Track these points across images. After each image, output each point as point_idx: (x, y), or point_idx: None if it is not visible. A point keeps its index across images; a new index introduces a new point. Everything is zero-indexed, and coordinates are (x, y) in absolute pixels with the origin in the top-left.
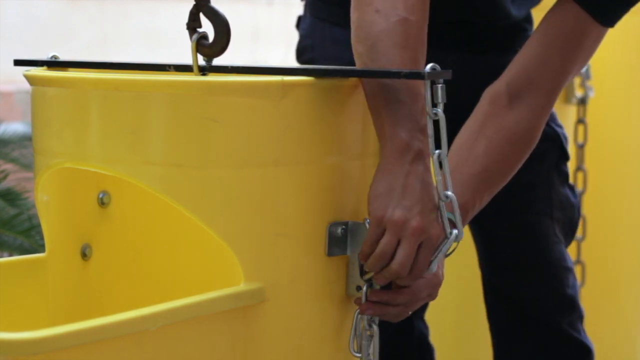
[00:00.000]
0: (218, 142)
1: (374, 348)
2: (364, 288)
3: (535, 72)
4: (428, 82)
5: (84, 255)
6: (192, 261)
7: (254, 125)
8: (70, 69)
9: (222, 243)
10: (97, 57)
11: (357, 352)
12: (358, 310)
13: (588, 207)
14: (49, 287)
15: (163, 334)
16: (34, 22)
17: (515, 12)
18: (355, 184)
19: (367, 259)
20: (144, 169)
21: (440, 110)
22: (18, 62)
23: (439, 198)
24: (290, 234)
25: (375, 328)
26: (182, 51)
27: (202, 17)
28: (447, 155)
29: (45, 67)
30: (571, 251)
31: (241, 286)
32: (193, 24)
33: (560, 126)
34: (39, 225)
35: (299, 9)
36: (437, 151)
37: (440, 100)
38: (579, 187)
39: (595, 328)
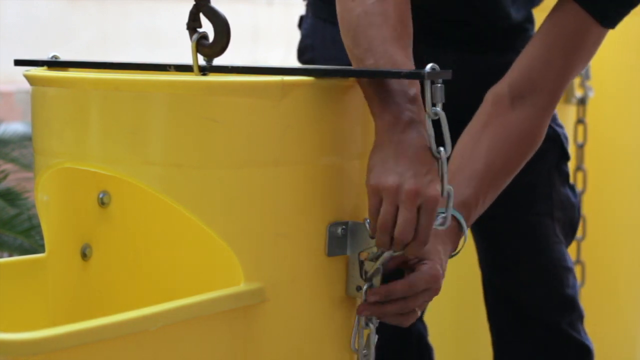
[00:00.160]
0: (218, 142)
1: (370, 346)
2: (364, 288)
3: (537, 73)
4: (428, 82)
5: (84, 255)
6: (192, 261)
7: (254, 125)
8: (71, 69)
9: (222, 243)
10: (97, 57)
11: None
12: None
13: (588, 207)
14: (49, 287)
15: (163, 334)
16: (34, 22)
17: (515, 12)
18: (356, 184)
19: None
20: (144, 169)
21: (439, 109)
22: (18, 62)
23: (438, 160)
24: (290, 234)
25: (372, 326)
26: (182, 51)
27: (202, 17)
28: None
29: (45, 67)
30: (571, 251)
31: (241, 286)
32: (193, 24)
33: (561, 126)
34: (39, 225)
35: (299, 9)
36: (441, 148)
37: (439, 100)
38: (578, 187)
39: (595, 328)
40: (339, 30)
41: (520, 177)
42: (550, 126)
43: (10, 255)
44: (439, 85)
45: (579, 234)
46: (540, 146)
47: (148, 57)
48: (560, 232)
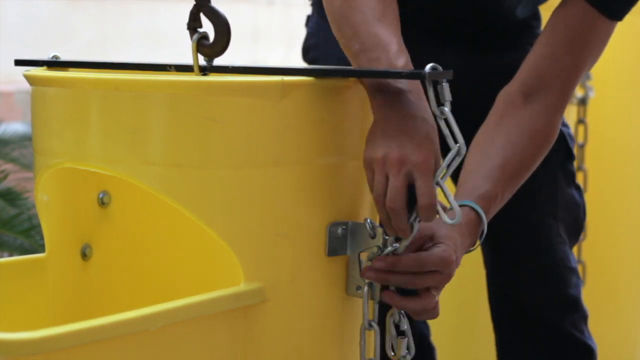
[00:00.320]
0: (218, 142)
1: (370, 346)
2: (364, 288)
3: (546, 71)
4: (430, 82)
5: (84, 255)
6: (192, 261)
7: (254, 125)
8: (71, 69)
9: (222, 243)
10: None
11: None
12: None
13: (588, 207)
14: (49, 287)
15: (163, 334)
16: (34, 22)
17: (519, 10)
18: (356, 184)
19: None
20: (144, 169)
21: (447, 109)
22: (18, 62)
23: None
24: (290, 234)
25: (376, 327)
26: (182, 51)
27: (202, 17)
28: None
29: (45, 67)
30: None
31: (241, 286)
32: (193, 24)
33: (566, 126)
34: (39, 225)
35: (299, 9)
36: (456, 145)
37: (447, 99)
38: None
39: (595, 328)
40: None
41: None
42: None
43: (10, 255)
44: (445, 84)
45: None
46: None
47: (148, 57)
48: (564, 233)
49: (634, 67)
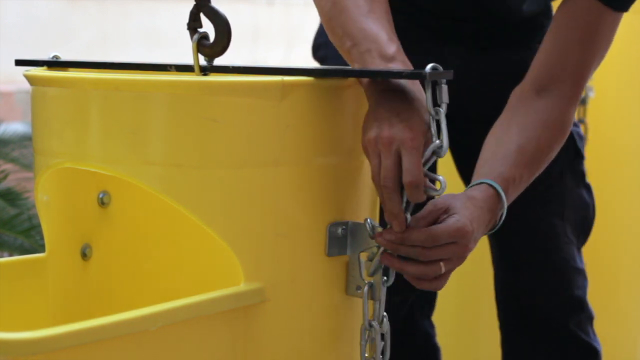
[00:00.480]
0: (218, 142)
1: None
2: (364, 288)
3: (555, 66)
4: (429, 82)
5: (84, 255)
6: (192, 261)
7: (254, 125)
8: (71, 69)
9: (222, 243)
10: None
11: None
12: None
13: None
14: (49, 287)
15: (163, 334)
16: (34, 22)
17: (526, 7)
18: (356, 184)
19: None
20: (144, 169)
21: (442, 110)
22: (19, 62)
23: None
24: (290, 234)
25: (376, 326)
26: (182, 51)
27: (202, 17)
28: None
29: (45, 67)
30: None
31: (241, 286)
32: (194, 24)
33: (576, 125)
34: (39, 225)
35: (299, 9)
36: (436, 142)
37: (444, 100)
38: None
39: (595, 328)
40: None
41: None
42: None
43: (10, 255)
44: (444, 86)
45: None
46: None
47: (148, 57)
48: (571, 233)
49: (634, 67)
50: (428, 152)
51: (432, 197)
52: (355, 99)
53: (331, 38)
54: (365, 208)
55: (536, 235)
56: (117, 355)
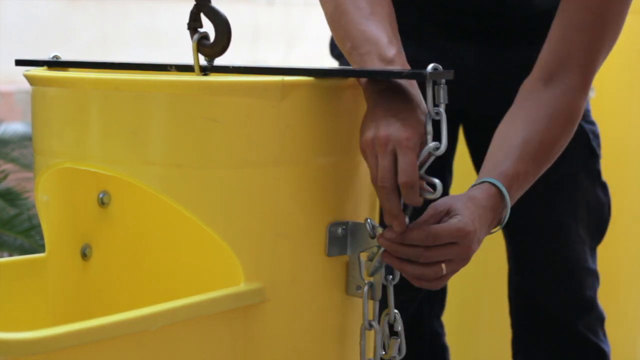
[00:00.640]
0: (218, 142)
1: (370, 346)
2: (364, 288)
3: (562, 54)
4: (430, 82)
5: (84, 255)
6: (192, 261)
7: (254, 125)
8: (71, 69)
9: (222, 243)
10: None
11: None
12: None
13: None
14: (49, 287)
15: (163, 334)
16: (34, 22)
17: (540, 0)
18: (356, 184)
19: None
20: (144, 169)
21: (442, 109)
22: (19, 62)
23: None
24: (290, 234)
25: (377, 326)
26: (182, 51)
27: (202, 17)
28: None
29: (45, 67)
30: None
31: (241, 286)
32: (194, 24)
33: (590, 123)
34: (39, 225)
35: (299, 9)
36: (433, 143)
37: (442, 101)
38: None
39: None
40: None
41: (544, 175)
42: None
43: (10, 255)
44: (442, 86)
45: None
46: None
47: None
48: (584, 233)
49: (633, 67)
50: (424, 153)
51: (429, 200)
52: (355, 99)
53: (335, 40)
54: (365, 208)
55: (548, 235)
56: (117, 355)
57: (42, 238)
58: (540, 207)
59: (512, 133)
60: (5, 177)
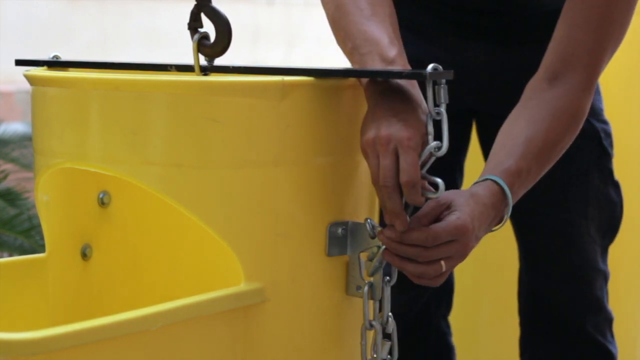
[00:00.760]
0: (218, 142)
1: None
2: (364, 288)
3: (568, 53)
4: (430, 82)
5: (84, 255)
6: (192, 261)
7: (254, 125)
8: (71, 69)
9: (222, 243)
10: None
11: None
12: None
13: None
14: (49, 287)
15: (163, 334)
16: (34, 22)
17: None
18: (356, 184)
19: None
20: (144, 169)
21: (442, 109)
22: (19, 62)
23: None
24: (290, 234)
25: (377, 326)
26: (183, 51)
27: (203, 17)
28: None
29: (45, 67)
30: None
31: (241, 286)
32: (194, 24)
33: (602, 122)
34: (39, 225)
35: (299, 9)
36: (434, 142)
37: (442, 100)
38: None
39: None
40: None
41: (555, 175)
42: (588, 121)
43: (10, 255)
44: (443, 86)
45: None
46: (576, 142)
47: (148, 57)
48: (595, 232)
49: (634, 67)
50: (425, 153)
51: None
52: (355, 99)
53: (336, 40)
54: (365, 208)
55: (558, 235)
56: (117, 356)
57: (42, 238)
58: (551, 206)
59: (516, 131)
60: (5, 177)
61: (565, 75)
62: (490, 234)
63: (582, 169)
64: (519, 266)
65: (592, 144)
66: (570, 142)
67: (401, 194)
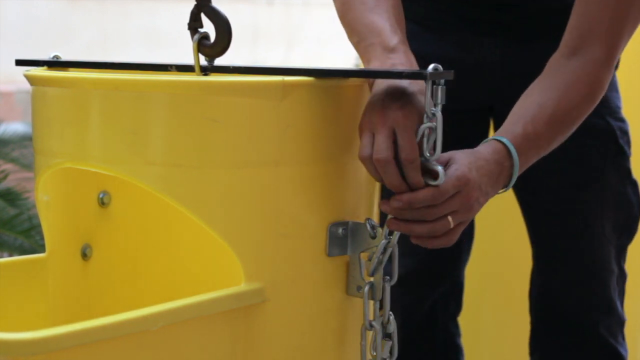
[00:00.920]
0: (218, 142)
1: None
2: (365, 288)
3: (584, 28)
4: (430, 82)
5: (84, 255)
6: (193, 261)
7: (254, 125)
8: (71, 69)
9: (222, 243)
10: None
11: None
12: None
13: None
14: (49, 287)
15: (164, 334)
16: (34, 22)
17: None
18: (356, 184)
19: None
20: (144, 169)
21: (438, 110)
22: (19, 62)
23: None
24: (290, 234)
25: (377, 326)
26: (183, 51)
27: (203, 17)
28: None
29: (45, 67)
30: None
31: (242, 286)
32: (194, 24)
33: (619, 120)
34: (39, 225)
35: (299, 9)
36: (428, 123)
37: (439, 101)
38: None
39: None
40: (410, 26)
41: (570, 174)
42: (604, 119)
43: (10, 255)
44: (441, 86)
45: None
46: (590, 141)
47: (148, 57)
48: (610, 233)
49: (634, 67)
50: (421, 131)
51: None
52: (355, 99)
53: (346, 35)
54: (365, 208)
55: (571, 236)
56: (117, 356)
57: (42, 238)
58: (566, 205)
59: (528, 100)
60: (5, 177)
61: (583, 49)
62: (492, 235)
63: (597, 168)
64: (532, 266)
65: (608, 142)
66: (586, 113)
67: (397, 168)
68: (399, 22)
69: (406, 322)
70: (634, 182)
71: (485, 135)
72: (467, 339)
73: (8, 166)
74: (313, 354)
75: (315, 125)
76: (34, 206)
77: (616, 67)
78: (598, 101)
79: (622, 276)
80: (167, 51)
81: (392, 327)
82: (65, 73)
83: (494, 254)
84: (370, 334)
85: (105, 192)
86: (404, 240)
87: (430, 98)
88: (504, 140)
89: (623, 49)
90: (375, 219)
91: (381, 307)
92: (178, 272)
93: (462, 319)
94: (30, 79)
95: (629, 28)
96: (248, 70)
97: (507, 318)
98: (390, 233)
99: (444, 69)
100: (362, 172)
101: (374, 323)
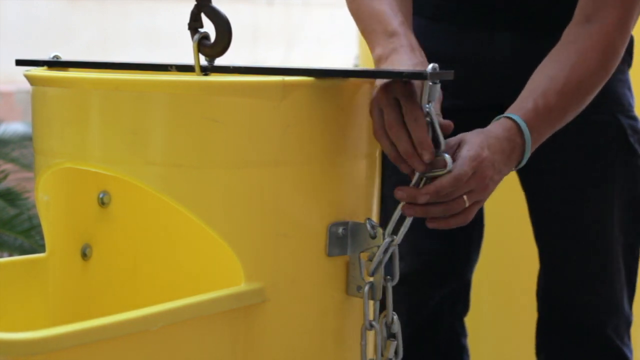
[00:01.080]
0: (218, 142)
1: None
2: (365, 288)
3: None
4: (428, 82)
5: (84, 255)
6: (193, 261)
7: (254, 125)
8: (71, 69)
9: (223, 243)
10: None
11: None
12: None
13: None
14: (49, 287)
15: (164, 334)
16: (34, 22)
17: None
18: (356, 184)
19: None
20: (144, 169)
21: (431, 107)
22: (19, 62)
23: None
24: (290, 234)
25: (377, 326)
26: (183, 51)
27: (203, 17)
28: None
29: (45, 67)
30: None
31: (242, 286)
32: (194, 24)
33: (631, 118)
34: (39, 225)
35: (299, 9)
36: (430, 105)
37: (433, 99)
38: None
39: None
40: (416, 20)
41: (579, 173)
42: (614, 116)
43: (10, 255)
44: (436, 85)
45: None
46: (600, 140)
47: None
48: (618, 232)
49: (634, 67)
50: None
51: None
52: (355, 99)
53: (355, 21)
54: (365, 208)
55: (578, 237)
56: (117, 356)
57: (42, 238)
58: (573, 205)
59: (539, 75)
60: (5, 177)
61: (596, 15)
62: (495, 236)
63: (606, 166)
64: (539, 267)
65: (618, 140)
66: (600, 84)
67: (407, 133)
68: (400, 4)
69: (410, 321)
70: None
71: None
72: (471, 340)
73: (8, 166)
74: (313, 354)
75: (315, 125)
76: (34, 206)
77: (629, 65)
78: (612, 70)
79: (631, 276)
80: (167, 51)
81: (397, 327)
82: (65, 73)
83: (498, 254)
84: (370, 334)
85: (105, 192)
86: (407, 239)
87: (426, 97)
88: (515, 117)
89: (637, 16)
90: (375, 219)
91: (384, 308)
92: (178, 272)
93: (466, 319)
94: (30, 79)
95: None
96: (248, 70)
97: (511, 319)
98: (394, 232)
99: (454, 66)
100: (362, 172)
101: (374, 323)
